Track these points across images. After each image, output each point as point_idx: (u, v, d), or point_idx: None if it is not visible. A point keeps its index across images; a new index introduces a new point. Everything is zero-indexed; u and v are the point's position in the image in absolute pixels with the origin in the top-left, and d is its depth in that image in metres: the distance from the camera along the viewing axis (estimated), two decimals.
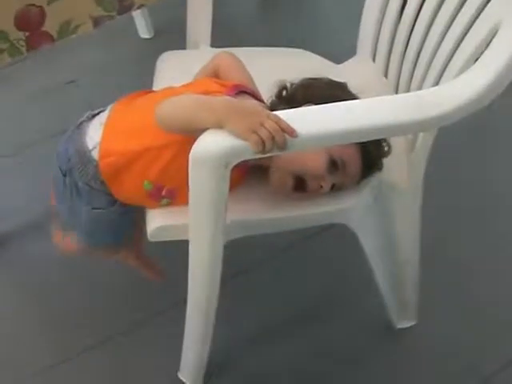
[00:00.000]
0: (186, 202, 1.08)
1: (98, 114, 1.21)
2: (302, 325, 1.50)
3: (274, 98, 1.21)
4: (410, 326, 1.49)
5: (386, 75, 1.39)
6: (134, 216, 1.26)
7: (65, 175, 1.19)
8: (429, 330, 1.48)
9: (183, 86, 1.22)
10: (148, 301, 1.53)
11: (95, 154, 1.15)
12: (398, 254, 1.34)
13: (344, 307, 1.53)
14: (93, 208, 1.19)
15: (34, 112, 1.97)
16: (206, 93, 1.12)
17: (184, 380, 1.40)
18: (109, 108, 1.20)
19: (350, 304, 1.54)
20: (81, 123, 1.20)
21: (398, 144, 1.21)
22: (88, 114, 1.21)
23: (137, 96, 1.21)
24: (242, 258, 1.54)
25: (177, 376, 1.41)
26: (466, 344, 1.47)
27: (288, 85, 1.21)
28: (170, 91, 1.19)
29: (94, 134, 1.16)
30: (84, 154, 1.16)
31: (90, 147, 1.16)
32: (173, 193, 1.14)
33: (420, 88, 1.22)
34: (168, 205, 1.16)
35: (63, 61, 2.10)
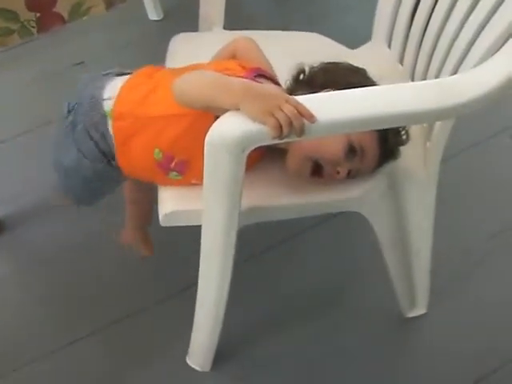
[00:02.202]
0: (195, 179, 1.08)
1: (126, 74, 1.20)
2: (312, 311, 1.49)
3: (291, 81, 1.19)
4: (420, 315, 1.48)
5: (401, 62, 1.37)
6: (112, 188, 1.25)
7: (69, 111, 1.17)
8: (438, 319, 1.48)
9: (206, 63, 1.20)
10: (156, 285, 1.52)
11: (106, 105, 1.14)
12: (411, 242, 1.33)
13: (354, 294, 1.52)
14: (79, 152, 1.17)
15: (41, 94, 1.95)
16: (226, 70, 1.11)
17: (192, 365, 1.40)
18: (134, 72, 1.20)
19: (360, 290, 1.53)
20: (108, 73, 1.20)
21: (414, 132, 1.19)
22: (117, 70, 1.21)
23: (162, 68, 1.20)
24: (254, 242, 1.53)
25: (185, 361, 1.40)
26: (475, 335, 1.46)
27: (306, 68, 1.19)
28: (193, 67, 1.17)
29: (114, 87, 1.15)
30: (95, 99, 1.14)
31: (105, 96, 1.14)
32: (183, 166, 1.13)
33: (437, 77, 1.20)
34: (176, 180, 1.15)
35: (71, 42, 2.08)
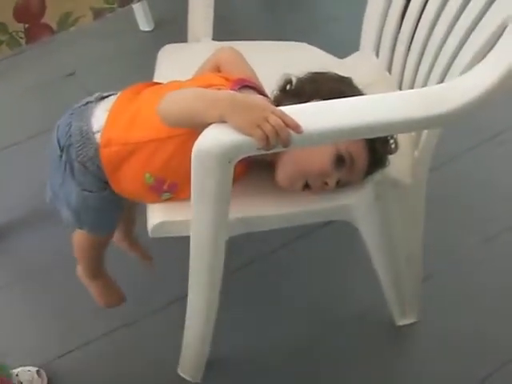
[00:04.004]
0: (187, 197, 1.06)
1: (107, 96, 1.19)
2: (302, 320, 1.49)
3: (277, 91, 1.19)
4: (411, 324, 1.48)
5: (389, 71, 1.38)
6: (123, 204, 1.23)
7: (62, 150, 1.16)
8: (429, 328, 1.48)
9: (188, 80, 1.20)
10: (148, 296, 1.52)
11: (98, 137, 1.13)
12: (400, 250, 1.33)
13: (344, 302, 1.52)
14: (83, 189, 1.17)
15: (33, 105, 1.95)
16: (210, 86, 1.11)
17: (184, 376, 1.39)
18: (118, 94, 1.18)
19: (350, 299, 1.53)
20: (87, 103, 1.18)
21: (402, 140, 1.19)
22: (97, 95, 1.19)
23: (144, 87, 1.19)
24: (244, 251, 1.54)
25: (176, 372, 1.40)
26: (466, 343, 1.46)
27: (293, 79, 1.19)
28: (175, 84, 1.17)
29: (101, 117, 1.14)
30: (86, 134, 1.13)
31: (94, 129, 1.13)
32: (175, 187, 1.13)
33: (425, 85, 1.20)
34: (169, 199, 1.15)
35: (63, 53, 2.08)
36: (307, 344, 1.46)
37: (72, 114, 1.17)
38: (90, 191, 1.17)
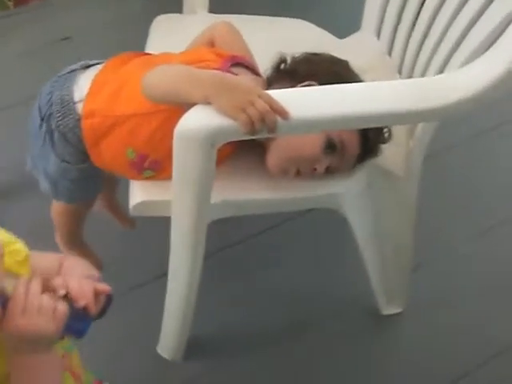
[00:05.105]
0: (169, 176, 1.04)
1: (93, 65, 1.15)
2: (286, 305, 1.47)
3: (271, 70, 1.16)
4: (396, 313, 1.46)
5: (389, 54, 1.34)
6: (103, 176, 1.21)
7: (42, 119, 1.13)
8: (415, 317, 1.45)
9: (179, 53, 1.16)
10: (126, 272, 1.48)
11: (79, 108, 1.10)
12: (389, 241, 1.30)
13: (330, 289, 1.50)
14: (62, 160, 1.14)
15: (29, 68, 1.91)
16: (200, 61, 1.07)
17: (163, 355, 1.37)
18: (104, 63, 1.15)
19: (336, 287, 1.50)
20: (72, 71, 1.15)
21: (397, 129, 1.16)
22: (83, 63, 1.16)
23: (131, 57, 1.16)
24: (231, 232, 1.51)
25: (155, 350, 1.37)
26: (451, 334, 1.44)
27: (288, 58, 1.15)
28: (165, 57, 1.14)
29: (84, 86, 1.11)
30: (67, 104, 1.11)
31: (76, 99, 1.10)
32: (157, 165, 1.10)
33: (425, 72, 1.17)
34: (151, 177, 1.12)
35: (59, 18, 2.05)
36: (291, 328, 1.44)
37: (55, 81, 1.14)
38: (69, 163, 1.14)
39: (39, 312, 0.73)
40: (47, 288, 0.76)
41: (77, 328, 0.78)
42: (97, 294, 0.79)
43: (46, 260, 0.85)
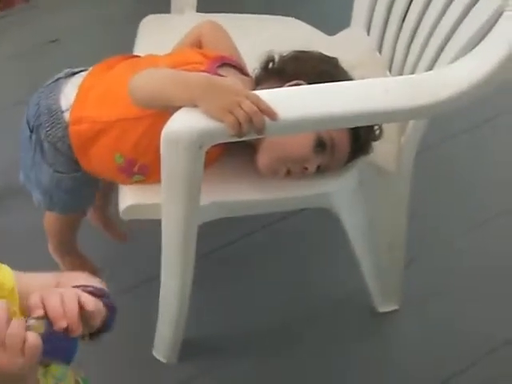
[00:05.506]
0: (159, 180, 1.02)
1: (78, 72, 1.15)
2: (282, 303, 1.47)
3: (259, 70, 1.15)
4: (392, 311, 1.45)
5: (380, 50, 1.33)
6: (97, 185, 1.20)
7: (31, 131, 1.13)
8: (410, 314, 1.45)
9: (165, 55, 1.15)
10: (121, 275, 1.48)
11: (67, 116, 1.09)
12: (383, 238, 1.29)
13: (325, 287, 1.49)
14: (55, 171, 1.14)
15: (18, 71, 1.91)
16: (186, 63, 1.07)
17: (158, 357, 1.36)
18: (90, 69, 1.14)
19: (331, 285, 1.50)
20: (57, 79, 1.14)
21: (387, 127, 1.15)
22: (67, 70, 1.15)
23: (117, 61, 1.15)
24: (224, 232, 1.50)
25: (151, 353, 1.37)
26: (447, 331, 1.43)
27: (276, 56, 1.15)
28: (151, 59, 1.13)
29: (70, 94, 1.11)
30: (55, 114, 1.10)
31: (63, 108, 1.10)
32: (146, 169, 1.09)
33: (415, 68, 1.16)
34: (141, 181, 1.11)
35: (46, 20, 2.04)
36: (286, 327, 1.43)
37: (42, 92, 1.14)
38: (63, 172, 1.13)
39: (2, 346, 0.60)
40: (24, 310, 0.65)
41: (61, 353, 0.67)
42: (83, 309, 0.66)
43: (38, 280, 0.73)
